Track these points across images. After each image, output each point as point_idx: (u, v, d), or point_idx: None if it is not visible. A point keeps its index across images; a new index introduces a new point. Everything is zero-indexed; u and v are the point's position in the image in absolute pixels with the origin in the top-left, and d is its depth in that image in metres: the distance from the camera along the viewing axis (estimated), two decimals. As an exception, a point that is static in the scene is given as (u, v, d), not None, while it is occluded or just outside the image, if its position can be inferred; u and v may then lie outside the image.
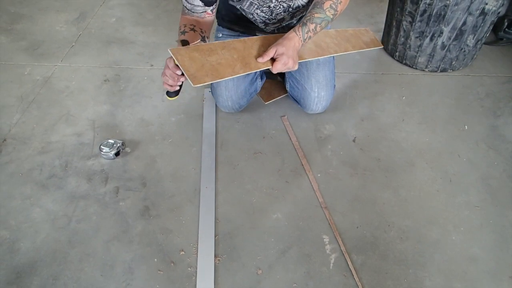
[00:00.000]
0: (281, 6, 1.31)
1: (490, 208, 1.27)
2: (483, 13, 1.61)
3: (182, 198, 1.31)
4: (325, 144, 1.50)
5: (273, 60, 1.16)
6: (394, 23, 1.85)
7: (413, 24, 1.73)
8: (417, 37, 1.77)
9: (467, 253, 1.15)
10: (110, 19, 2.33)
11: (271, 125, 1.58)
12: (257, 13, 1.34)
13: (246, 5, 1.31)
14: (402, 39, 1.84)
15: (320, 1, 1.19)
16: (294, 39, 1.16)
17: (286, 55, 1.14)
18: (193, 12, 1.21)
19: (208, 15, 1.23)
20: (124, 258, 1.15)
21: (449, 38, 1.71)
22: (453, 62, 1.82)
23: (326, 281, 1.09)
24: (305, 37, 1.18)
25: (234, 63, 1.11)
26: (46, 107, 1.68)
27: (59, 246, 1.18)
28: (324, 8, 1.18)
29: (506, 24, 1.99)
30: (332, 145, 1.49)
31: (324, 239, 1.19)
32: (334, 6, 1.19)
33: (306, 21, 1.18)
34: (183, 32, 1.17)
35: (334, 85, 1.56)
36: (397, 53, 1.91)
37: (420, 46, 1.78)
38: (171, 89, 1.12)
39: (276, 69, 1.15)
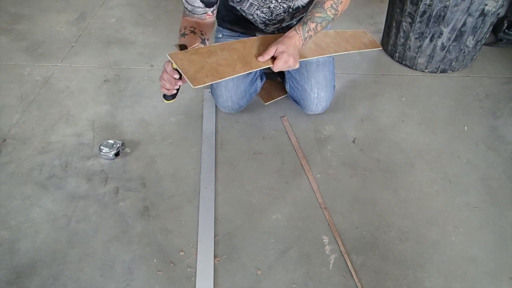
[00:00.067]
0: (281, 7, 1.31)
1: (489, 209, 1.27)
2: (482, 14, 1.61)
3: (181, 199, 1.31)
4: (325, 144, 1.50)
5: (273, 59, 1.16)
6: (394, 24, 1.85)
7: (413, 25, 1.73)
8: (416, 38, 1.77)
9: (466, 254, 1.15)
10: (110, 19, 2.33)
11: (271, 125, 1.58)
12: (257, 14, 1.34)
13: (246, 6, 1.31)
14: (402, 40, 1.84)
15: (321, 0, 1.19)
16: (294, 38, 1.16)
17: (287, 53, 1.14)
18: (193, 13, 1.21)
19: (208, 17, 1.23)
20: (123, 258, 1.15)
21: (449, 39, 1.71)
22: (453, 63, 1.82)
23: (325, 282, 1.09)
24: (306, 36, 1.18)
25: (234, 63, 1.11)
26: (46, 107, 1.68)
27: (59, 246, 1.18)
28: (325, 8, 1.18)
29: (505, 25, 1.99)
30: (331, 146, 1.49)
31: (324, 240, 1.19)
32: (335, 6, 1.19)
33: (307, 20, 1.18)
34: (183, 34, 1.18)
35: (334, 86, 1.56)
36: (397, 54, 1.91)
37: (419, 47, 1.79)
38: (168, 93, 1.13)
39: (277, 67, 1.15)
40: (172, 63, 1.04)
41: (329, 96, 1.52)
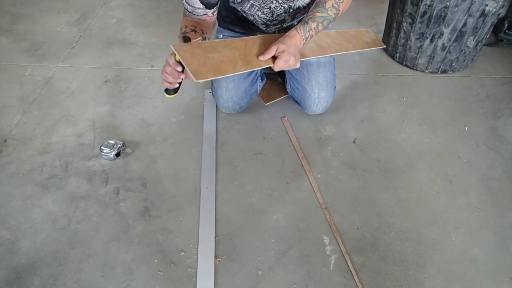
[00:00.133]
0: (282, 7, 1.31)
1: (490, 209, 1.27)
2: (483, 14, 1.61)
3: (182, 199, 1.31)
4: (325, 145, 1.50)
5: (274, 58, 1.16)
6: (395, 25, 1.85)
7: (414, 25, 1.73)
8: (417, 39, 1.77)
9: (467, 254, 1.15)
10: (110, 20, 2.33)
11: (272, 126, 1.58)
12: (258, 15, 1.34)
13: (247, 7, 1.31)
14: (403, 40, 1.84)
15: (322, 0, 1.19)
16: (295, 37, 1.16)
17: (288, 52, 1.13)
18: (194, 14, 1.21)
19: (209, 18, 1.23)
20: (124, 258, 1.15)
21: (449, 40, 1.71)
22: (453, 64, 1.82)
23: (326, 282, 1.09)
24: (307, 36, 1.18)
25: (235, 61, 1.11)
26: (47, 107, 1.68)
27: (59, 246, 1.18)
28: (326, 7, 1.18)
29: (506, 25, 1.99)
30: (332, 146, 1.49)
31: (324, 240, 1.19)
32: (336, 6, 1.19)
33: (308, 20, 1.18)
34: (184, 33, 1.18)
35: (335, 86, 1.56)
36: (397, 55, 1.91)
37: (420, 47, 1.79)
38: (170, 87, 1.11)
39: (278, 66, 1.15)
40: (175, 56, 1.03)
41: (329, 96, 1.52)
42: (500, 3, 1.59)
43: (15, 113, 1.65)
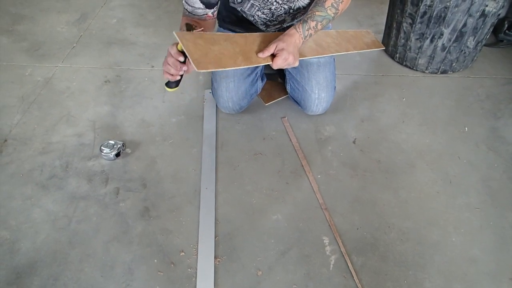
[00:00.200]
0: (282, 8, 1.31)
1: (490, 210, 1.27)
2: (483, 15, 1.61)
3: (182, 199, 1.31)
4: (325, 145, 1.50)
5: (273, 56, 1.16)
6: (395, 25, 1.85)
7: (414, 25, 1.73)
8: (417, 39, 1.77)
9: (467, 255, 1.15)
10: (111, 20, 2.33)
11: (272, 126, 1.58)
12: (258, 15, 1.34)
13: (247, 7, 1.31)
14: (403, 40, 1.84)
15: None
16: (294, 36, 1.16)
17: (287, 50, 1.13)
18: (193, 14, 1.21)
19: (209, 18, 1.23)
20: (124, 258, 1.15)
21: (449, 40, 1.71)
22: (453, 64, 1.82)
23: (326, 283, 1.09)
24: (306, 34, 1.18)
25: (236, 56, 1.11)
26: (47, 107, 1.68)
27: (59, 246, 1.18)
28: (326, 7, 1.18)
29: (506, 26, 1.99)
30: (332, 147, 1.49)
31: (324, 240, 1.19)
32: (335, 5, 1.19)
33: (307, 19, 1.18)
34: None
35: (335, 87, 1.56)
36: (397, 55, 1.91)
37: (420, 47, 1.79)
38: (172, 79, 1.09)
39: (276, 64, 1.14)
40: (177, 45, 1.02)
41: (329, 96, 1.52)
42: (500, 3, 1.59)
43: (15, 113, 1.65)
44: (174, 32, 1.00)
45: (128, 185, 1.36)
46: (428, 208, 1.28)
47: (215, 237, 1.20)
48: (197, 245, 1.18)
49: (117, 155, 1.44)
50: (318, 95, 1.49)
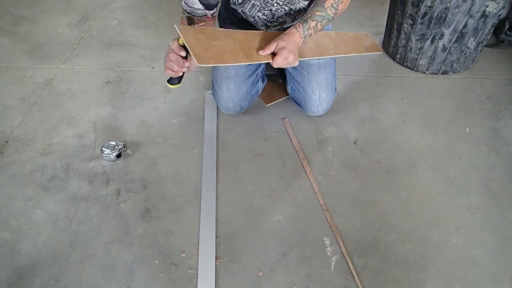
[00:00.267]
0: (283, 9, 1.31)
1: (491, 210, 1.27)
2: (484, 15, 1.61)
3: (183, 200, 1.31)
4: (326, 146, 1.50)
5: (273, 54, 1.16)
6: (395, 26, 1.85)
7: (414, 26, 1.73)
8: (418, 40, 1.77)
9: (468, 255, 1.15)
10: (112, 21, 2.34)
11: (272, 127, 1.58)
12: (258, 16, 1.34)
13: (248, 8, 1.32)
14: (403, 41, 1.84)
15: None
16: (295, 35, 1.16)
17: (287, 49, 1.13)
18: (193, 15, 1.21)
19: (208, 19, 1.23)
20: (125, 259, 1.15)
21: (450, 41, 1.71)
22: (454, 65, 1.82)
23: (327, 284, 1.09)
24: (306, 34, 1.18)
25: (236, 52, 1.10)
26: (48, 109, 1.68)
27: (60, 247, 1.18)
28: (326, 7, 1.18)
29: (507, 26, 1.99)
30: (333, 147, 1.49)
31: (325, 241, 1.19)
32: (335, 5, 1.19)
33: (307, 18, 1.18)
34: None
35: (335, 88, 1.56)
36: (398, 56, 1.92)
37: (421, 48, 1.79)
38: (175, 75, 1.08)
39: (277, 63, 1.14)
40: (178, 40, 1.01)
41: (330, 97, 1.52)
42: (501, 4, 1.59)
43: (16, 115, 1.65)
44: (175, 26, 0.99)
45: (129, 186, 1.36)
46: (429, 208, 1.28)
47: (216, 238, 1.20)
48: (198, 246, 1.18)
49: (118, 156, 1.44)
50: (318, 96, 1.49)
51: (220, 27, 1.53)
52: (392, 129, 1.57)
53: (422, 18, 1.68)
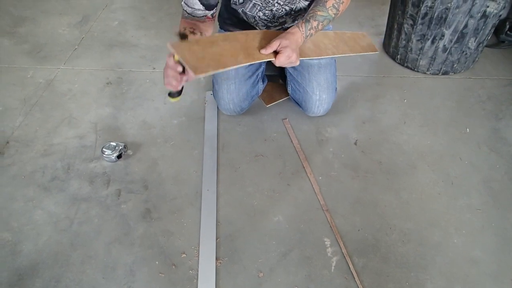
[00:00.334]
0: (284, 9, 1.31)
1: (492, 211, 1.26)
2: (484, 16, 1.61)
3: (183, 201, 1.31)
4: (327, 146, 1.50)
5: (275, 53, 1.15)
6: (396, 26, 1.85)
7: (415, 27, 1.73)
8: (418, 40, 1.77)
9: (468, 256, 1.15)
10: (112, 22, 2.34)
11: (273, 127, 1.58)
12: (259, 16, 1.34)
13: (249, 8, 1.32)
14: (404, 42, 1.84)
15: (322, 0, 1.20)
16: (297, 34, 1.15)
17: (290, 48, 1.12)
18: (193, 16, 1.21)
19: (208, 20, 1.23)
20: (125, 260, 1.15)
21: (451, 41, 1.71)
22: (455, 65, 1.82)
23: (327, 284, 1.09)
24: (308, 34, 1.18)
25: (236, 53, 1.09)
26: (49, 109, 1.69)
27: (61, 248, 1.18)
28: (327, 7, 1.18)
29: (507, 27, 1.99)
30: (333, 148, 1.49)
31: (326, 242, 1.19)
32: (336, 6, 1.19)
33: (309, 18, 1.18)
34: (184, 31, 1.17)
35: (336, 88, 1.56)
36: (398, 56, 1.91)
37: (421, 49, 1.79)
38: (175, 89, 1.09)
39: (280, 61, 1.13)
40: (174, 56, 1.01)
41: (330, 98, 1.52)
42: (501, 4, 1.59)
43: (17, 115, 1.66)
44: (168, 44, 0.99)
45: (130, 186, 1.36)
46: (430, 209, 1.27)
47: (217, 239, 1.20)
48: (199, 247, 1.18)
49: (119, 157, 1.44)
50: (319, 96, 1.49)
51: (220, 28, 1.53)
52: (392, 130, 1.57)
53: (423, 18, 1.68)
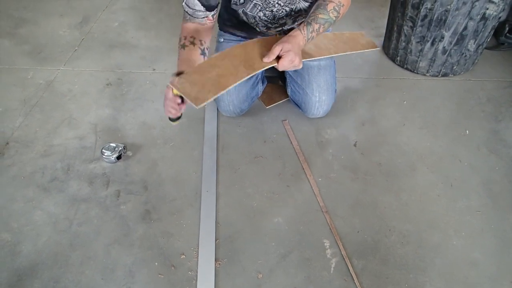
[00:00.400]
0: (284, 10, 1.32)
1: (491, 213, 1.27)
2: (484, 18, 1.61)
3: (183, 202, 1.31)
4: (326, 148, 1.50)
5: (277, 58, 1.15)
6: (395, 28, 1.85)
7: (414, 29, 1.74)
8: (418, 42, 1.78)
9: (468, 258, 1.15)
10: (113, 23, 2.34)
11: (272, 129, 1.58)
12: (259, 16, 1.34)
13: (249, 8, 1.32)
14: (403, 43, 1.84)
15: (323, 2, 1.20)
16: (298, 37, 1.15)
17: (293, 51, 1.12)
18: (194, 17, 1.21)
19: (209, 21, 1.24)
20: (125, 261, 1.15)
21: (450, 43, 1.71)
22: (454, 67, 1.82)
23: (326, 286, 1.09)
24: (309, 37, 1.18)
25: (236, 70, 1.11)
26: (49, 110, 1.69)
27: (60, 249, 1.18)
28: (328, 10, 1.19)
29: (507, 29, 1.99)
30: (333, 149, 1.49)
31: (325, 244, 1.19)
32: (337, 9, 1.20)
33: (311, 21, 1.18)
34: (183, 46, 1.18)
35: (335, 90, 1.56)
36: (398, 58, 1.92)
37: (421, 50, 1.79)
38: (174, 117, 1.14)
39: (283, 66, 1.13)
40: (172, 89, 1.05)
41: (330, 99, 1.52)
42: (501, 6, 1.59)
43: (17, 116, 1.66)
44: (168, 84, 1.04)
45: (129, 187, 1.36)
46: (429, 211, 1.27)
47: (216, 240, 1.20)
48: (198, 248, 1.18)
49: (119, 157, 1.44)
50: (318, 98, 1.49)
51: (220, 29, 1.54)
52: (392, 131, 1.57)
53: (422, 20, 1.68)
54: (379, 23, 2.29)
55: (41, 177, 1.40)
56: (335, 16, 1.20)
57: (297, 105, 1.60)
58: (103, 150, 1.43)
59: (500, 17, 1.68)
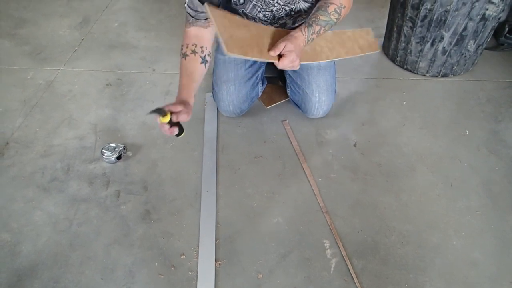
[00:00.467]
0: (283, 10, 1.32)
1: (491, 213, 1.27)
2: (483, 18, 1.62)
3: (183, 202, 1.31)
4: (326, 148, 1.50)
5: (279, 56, 1.14)
6: (395, 29, 1.86)
7: (414, 29, 1.74)
8: (418, 42, 1.78)
9: (468, 258, 1.15)
10: (113, 24, 2.34)
11: (272, 129, 1.58)
12: (259, 17, 1.34)
13: (249, 8, 1.32)
14: (403, 44, 1.84)
15: (324, 4, 1.20)
16: (299, 38, 1.16)
17: (295, 52, 1.13)
18: (196, 19, 1.21)
19: (211, 23, 1.24)
20: (125, 261, 1.15)
21: (450, 43, 1.72)
22: (454, 67, 1.82)
23: (326, 286, 1.09)
24: (309, 38, 1.18)
25: (253, 46, 1.12)
26: (49, 111, 1.69)
27: (60, 249, 1.18)
28: (329, 12, 1.19)
29: (507, 29, 1.99)
30: (333, 150, 1.49)
31: (325, 244, 1.19)
32: (338, 11, 1.20)
33: (312, 22, 1.18)
34: (185, 55, 1.19)
35: (335, 90, 1.56)
36: (398, 58, 1.92)
37: (421, 51, 1.79)
38: (173, 134, 1.13)
39: (283, 65, 1.13)
40: (160, 118, 1.03)
41: (330, 100, 1.52)
42: (501, 7, 1.59)
43: (17, 116, 1.66)
44: (205, 5, 1.03)
45: (129, 188, 1.36)
46: (429, 211, 1.28)
47: (216, 240, 1.20)
48: (198, 248, 1.18)
49: (118, 158, 1.44)
50: (318, 98, 1.49)
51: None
52: (392, 132, 1.57)
53: (422, 21, 1.69)
54: (379, 23, 2.29)
55: (41, 177, 1.40)
56: (336, 18, 1.20)
57: (297, 105, 1.60)
58: (103, 150, 1.43)
59: (499, 18, 1.68)
